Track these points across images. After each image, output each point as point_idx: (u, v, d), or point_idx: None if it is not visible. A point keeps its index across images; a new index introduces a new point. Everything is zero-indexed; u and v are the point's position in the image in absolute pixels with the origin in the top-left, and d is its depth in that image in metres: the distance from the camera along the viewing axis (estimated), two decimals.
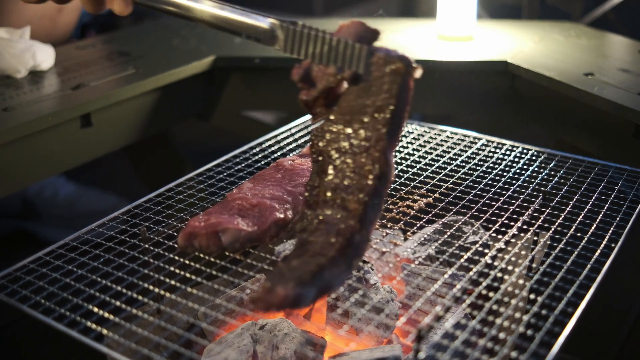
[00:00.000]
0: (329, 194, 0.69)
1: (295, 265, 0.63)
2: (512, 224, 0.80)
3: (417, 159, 1.00)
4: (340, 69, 0.70)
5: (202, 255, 0.73)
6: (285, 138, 1.08)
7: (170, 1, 0.73)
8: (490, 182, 0.91)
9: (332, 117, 0.72)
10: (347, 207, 0.67)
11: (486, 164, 0.97)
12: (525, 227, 0.81)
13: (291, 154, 1.01)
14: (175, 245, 0.74)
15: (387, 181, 0.67)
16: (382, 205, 0.68)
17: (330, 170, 0.70)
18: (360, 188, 0.67)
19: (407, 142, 1.06)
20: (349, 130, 0.70)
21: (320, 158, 0.71)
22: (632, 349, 1.00)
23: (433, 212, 0.84)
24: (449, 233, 0.84)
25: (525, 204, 0.84)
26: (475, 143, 1.05)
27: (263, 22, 0.72)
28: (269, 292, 0.60)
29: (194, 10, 0.73)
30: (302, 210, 0.72)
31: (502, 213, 0.82)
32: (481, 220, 0.82)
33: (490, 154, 1.01)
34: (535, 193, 0.87)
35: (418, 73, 0.69)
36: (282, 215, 0.75)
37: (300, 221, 0.70)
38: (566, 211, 0.82)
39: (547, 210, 0.82)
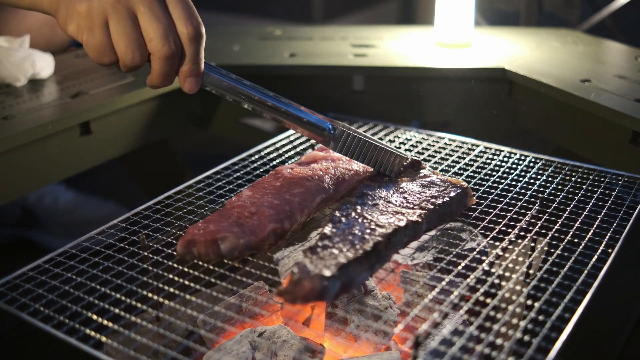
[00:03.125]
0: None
1: (321, 256, 0.66)
2: (509, 230, 0.81)
3: None
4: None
5: (200, 263, 0.73)
6: (284, 145, 1.08)
7: (238, 93, 0.80)
8: (488, 189, 0.92)
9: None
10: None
11: (484, 171, 0.97)
12: (523, 233, 0.81)
13: (290, 162, 1.01)
14: (175, 253, 0.74)
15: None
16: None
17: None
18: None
19: (405, 150, 1.07)
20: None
21: None
22: (631, 355, 1.00)
23: None
24: (446, 240, 0.84)
25: (523, 210, 0.85)
26: (473, 150, 1.06)
27: (322, 122, 0.83)
28: (295, 285, 0.61)
29: (258, 104, 0.81)
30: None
31: (500, 220, 0.82)
32: (479, 228, 0.82)
33: (488, 161, 1.02)
34: (532, 199, 0.87)
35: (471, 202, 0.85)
36: (280, 225, 0.75)
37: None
38: (564, 217, 0.82)
39: (545, 217, 0.82)
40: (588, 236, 0.77)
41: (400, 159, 0.87)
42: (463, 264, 0.74)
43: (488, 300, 0.67)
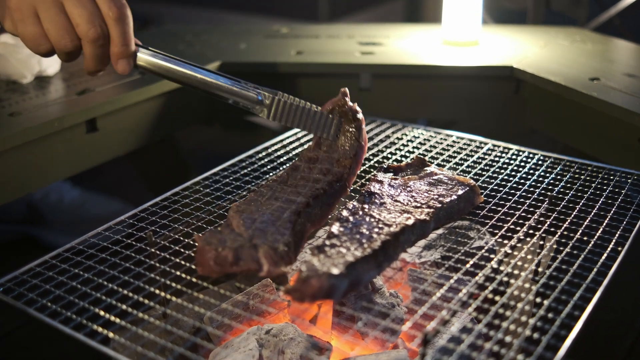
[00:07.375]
0: None
1: (329, 255, 0.66)
2: (518, 228, 0.80)
3: None
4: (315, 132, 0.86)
5: None
6: (290, 142, 1.08)
7: (171, 69, 0.82)
8: (496, 187, 0.91)
9: None
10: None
11: (492, 169, 0.97)
12: (531, 231, 0.81)
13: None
14: (181, 250, 0.74)
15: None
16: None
17: None
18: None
19: (413, 147, 1.06)
20: None
21: None
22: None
23: None
24: (454, 238, 0.84)
25: (531, 209, 0.84)
26: (481, 148, 1.05)
27: (252, 91, 0.83)
28: (303, 283, 0.61)
29: (191, 79, 0.82)
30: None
31: (508, 218, 0.82)
32: (487, 226, 0.82)
33: (497, 159, 1.01)
34: (541, 197, 0.87)
35: None
36: None
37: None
38: (572, 215, 0.82)
39: (554, 215, 0.82)
40: (597, 234, 0.77)
41: (335, 120, 0.85)
42: (471, 262, 0.73)
43: (497, 298, 0.66)
